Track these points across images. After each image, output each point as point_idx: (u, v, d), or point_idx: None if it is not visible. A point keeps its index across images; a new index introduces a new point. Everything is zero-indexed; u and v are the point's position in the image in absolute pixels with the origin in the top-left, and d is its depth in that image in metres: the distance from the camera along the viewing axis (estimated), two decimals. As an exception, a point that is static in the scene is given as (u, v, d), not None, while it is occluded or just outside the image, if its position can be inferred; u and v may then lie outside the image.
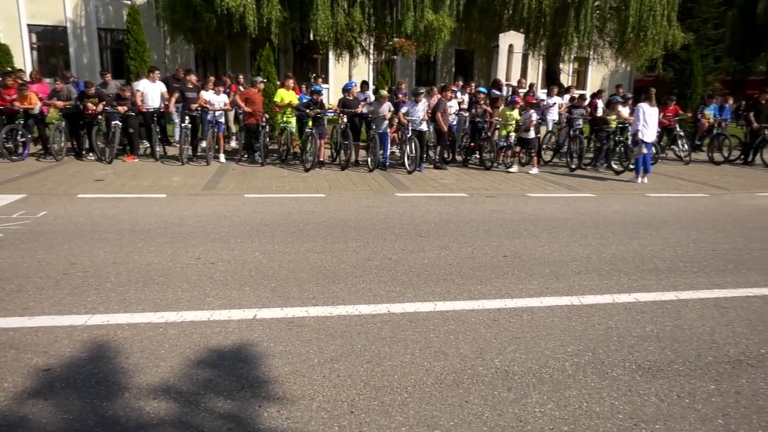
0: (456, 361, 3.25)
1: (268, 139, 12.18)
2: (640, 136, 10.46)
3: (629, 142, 11.26)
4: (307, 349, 3.34)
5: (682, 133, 14.20)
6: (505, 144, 11.77)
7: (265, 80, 12.68)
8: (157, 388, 2.87)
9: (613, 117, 11.96)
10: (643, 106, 10.59)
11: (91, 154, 11.17)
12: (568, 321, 3.87)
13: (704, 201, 8.96)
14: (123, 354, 3.21)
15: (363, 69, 24.23)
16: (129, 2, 19.45)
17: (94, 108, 10.78)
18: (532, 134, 11.43)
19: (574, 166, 11.76)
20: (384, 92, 11.69)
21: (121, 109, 10.83)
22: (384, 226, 6.49)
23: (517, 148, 11.78)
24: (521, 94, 12.97)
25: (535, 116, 11.39)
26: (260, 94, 11.60)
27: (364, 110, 11.31)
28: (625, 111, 12.25)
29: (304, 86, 13.56)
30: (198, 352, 3.26)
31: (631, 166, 11.10)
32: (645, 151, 10.58)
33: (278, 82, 13.13)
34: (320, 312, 3.90)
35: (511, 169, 11.47)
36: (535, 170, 11.47)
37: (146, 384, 2.90)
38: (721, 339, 3.65)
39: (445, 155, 12.25)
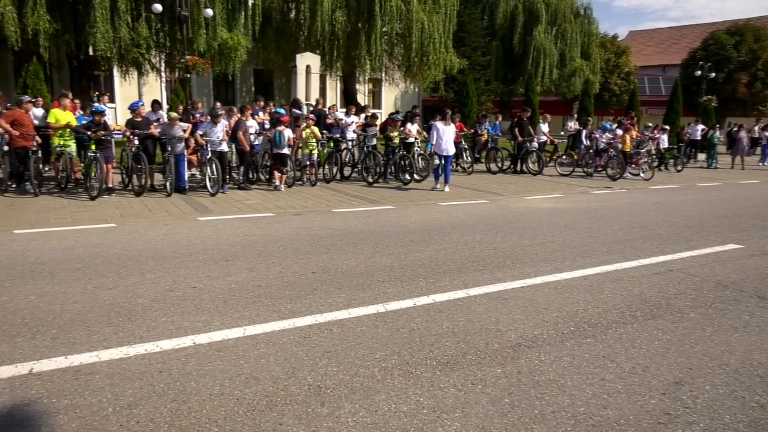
0: (268, 385, 3.18)
1: (42, 165, 10.69)
2: (436, 149, 11.75)
3: (417, 155, 12.67)
4: (100, 399, 2.97)
5: (466, 147, 15.99)
6: (308, 162, 11.98)
7: (33, 99, 11.12)
8: None
9: (396, 134, 13.03)
10: (438, 124, 11.82)
11: None
12: (375, 328, 4.05)
13: (485, 206, 10.14)
14: None
15: (155, 87, 22.69)
16: None
17: None
18: (285, 150, 11.33)
19: (371, 180, 12.51)
20: (174, 114, 11.02)
21: None
22: (186, 253, 6.11)
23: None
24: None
25: (288, 133, 11.36)
26: (29, 115, 10.12)
27: (156, 132, 10.55)
28: (413, 128, 13.40)
29: (79, 105, 12.08)
30: (-49, 425, 2.69)
31: (417, 178, 12.68)
32: (437, 162, 11.92)
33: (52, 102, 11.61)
34: (113, 355, 3.50)
35: (314, 185, 11.80)
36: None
37: None
38: (504, 327, 4.15)
39: (250, 175, 12.03)
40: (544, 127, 17.00)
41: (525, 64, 30.16)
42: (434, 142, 11.80)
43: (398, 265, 5.79)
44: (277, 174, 11.41)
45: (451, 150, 11.97)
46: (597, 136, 16.95)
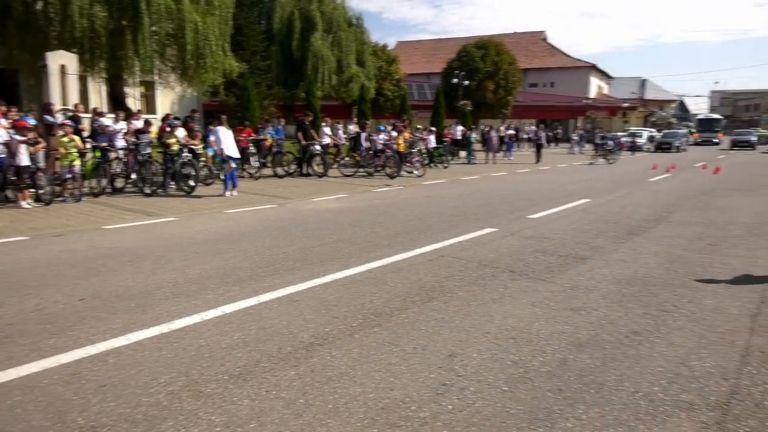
0: (27, 437, 2.72)
1: None
2: (226, 153, 11.44)
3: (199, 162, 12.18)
4: None
5: (254, 151, 15.74)
6: (69, 175, 10.58)
7: None
8: None
9: (173, 140, 12.36)
10: (219, 130, 11.60)
11: None
12: (159, 351, 3.74)
13: (273, 211, 10.12)
14: None
15: None
16: None
17: None
18: (24, 161, 9.95)
19: (149, 191, 11.61)
20: None
21: None
22: None
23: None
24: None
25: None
26: None
27: None
28: (180, 133, 12.82)
29: None
30: None
31: (196, 183, 12.19)
32: (233, 165, 11.69)
33: None
34: None
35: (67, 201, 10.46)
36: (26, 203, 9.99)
37: None
38: (296, 329, 4.18)
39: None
40: (327, 130, 17.62)
41: (305, 69, 30.78)
42: (221, 147, 11.57)
43: (183, 280, 5.44)
44: (20, 192, 9.88)
45: (235, 153, 11.83)
46: (375, 138, 18.13)
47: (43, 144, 10.62)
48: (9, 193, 10.49)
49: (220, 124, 12.02)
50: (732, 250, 7.00)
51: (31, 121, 10.73)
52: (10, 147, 9.81)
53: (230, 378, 3.37)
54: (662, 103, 78.47)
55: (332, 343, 3.91)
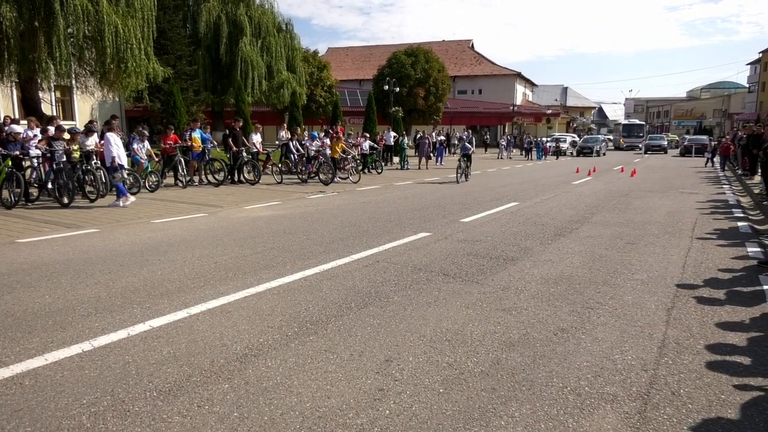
0: (-71, 472, 2.49)
1: None
2: (117, 161, 11.00)
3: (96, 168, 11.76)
4: None
5: (182, 160, 15.17)
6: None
7: None
8: None
9: (76, 147, 11.84)
10: (111, 135, 11.18)
11: None
12: (81, 370, 3.53)
13: (204, 220, 9.81)
14: None
15: None
16: None
17: None
18: None
19: (67, 200, 11.02)
20: None
21: None
22: None
23: None
24: None
25: None
26: None
27: None
28: (89, 140, 12.30)
29: None
30: None
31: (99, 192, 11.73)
32: (125, 174, 11.49)
33: None
34: None
35: None
36: None
37: None
38: (229, 340, 4.06)
39: None
40: (256, 138, 17.30)
41: (234, 74, 30.13)
42: (112, 155, 11.17)
43: (106, 294, 5.17)
44: None
45: (125, 161, 11.61)
46: (307, 144, 18.00)
47: None
48: None
49: (111, 129, 11.64)
50: (648, 248, 7.47)
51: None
52: None
53: (159, 395, 3.23)
54: (582, 110, 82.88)
55: (267, 353, 3.84)
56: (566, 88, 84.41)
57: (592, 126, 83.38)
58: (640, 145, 47.09)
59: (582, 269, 6.27)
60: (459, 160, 18.06)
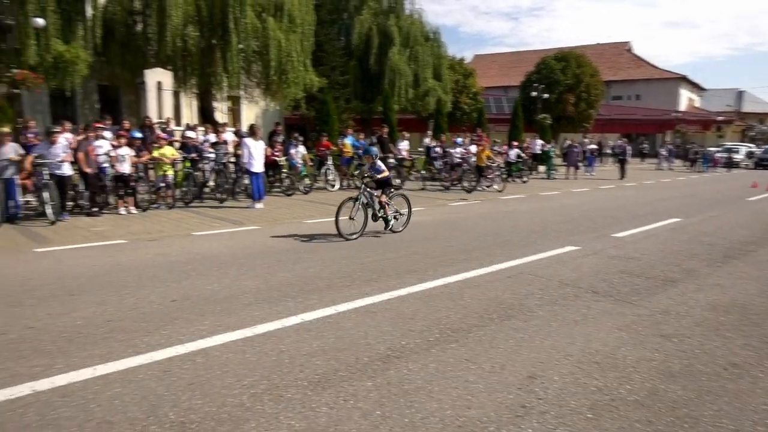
0: (124, 427, 2.90)
1: None
2: (251, 168, 11.61)
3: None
4: None
5: (331, 166, 16.15)
6: (162, 184, 11.30)
7: None
8: None
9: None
10: (247, 141, 11.80)
11: None
12: (243, 354, 3.89)
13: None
14: None
15: (-25, 104, 19.89)
16: None
17: None
18: (127, 170, 10.72)
19: (223, 197, 12.39)
20: (5, 129, 9.83)
21: None
22: (21, 290, 5.41)
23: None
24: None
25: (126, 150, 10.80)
26: None
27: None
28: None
29: None
30: None
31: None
32: (246, 181, 12.12)
33: None
34: (-74, 417, 2.98)
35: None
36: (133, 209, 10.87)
37: None
38: (373, 340, 4.21)
39: (98, 199, 11.01)
40: (404, 144, 17.74)
41: (382, 83, 31.22)
42: (247, 160, 11.65)
43: (265, 287, 5.64)
44: (119, 199, 10.69)
45: (260, 168, 11.90)
46: (452, 151, 18.06)
47: (147, 155, 11.44)
48: (111, 200, 11.36)
49: (251, 134, 12.02)
50: None
51: (138, 135, 11.74)
52: (115, 157, 10.59)
53: (309, 384, 3.44)
54: (762, 116, 72.87)
55: (408, 356, 3.91)
56: (742, 92, 74.88)
57: (774, 135, 73.06)
58: None
59: (760, 297, 5.51)
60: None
